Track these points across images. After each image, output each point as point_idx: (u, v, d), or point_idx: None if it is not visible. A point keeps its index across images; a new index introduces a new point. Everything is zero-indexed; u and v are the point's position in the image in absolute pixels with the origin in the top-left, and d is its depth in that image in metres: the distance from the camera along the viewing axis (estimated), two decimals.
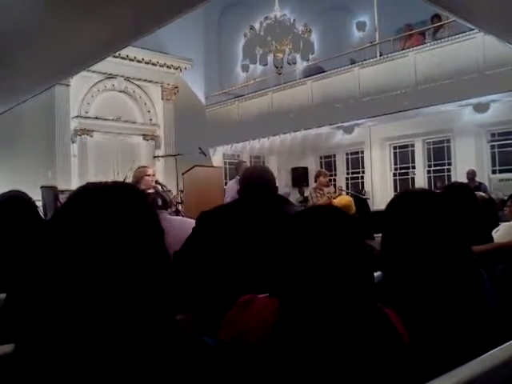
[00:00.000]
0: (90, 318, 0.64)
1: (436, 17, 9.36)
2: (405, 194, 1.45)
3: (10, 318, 1.48)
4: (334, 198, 6.89)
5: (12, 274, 1.74)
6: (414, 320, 1.18)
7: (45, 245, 0.69)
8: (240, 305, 1.10)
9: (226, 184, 9.25)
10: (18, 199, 2.34)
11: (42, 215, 2.50)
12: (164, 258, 0.73)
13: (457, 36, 8.70)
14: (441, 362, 1.10)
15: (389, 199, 1.43)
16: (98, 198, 0.71)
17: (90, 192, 0.73)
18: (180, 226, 2.55)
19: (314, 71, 11.04)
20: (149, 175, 4.77)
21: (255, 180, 2.10)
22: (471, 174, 8.75)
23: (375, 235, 4.40)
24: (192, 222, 2.82)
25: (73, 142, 10.61)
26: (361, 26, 12.11)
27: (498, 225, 3.83)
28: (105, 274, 0.65)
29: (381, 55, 9.93)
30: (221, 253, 1.85)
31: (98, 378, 0.63)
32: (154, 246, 0.72)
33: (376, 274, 1.63)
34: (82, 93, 10.70)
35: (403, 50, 9.71)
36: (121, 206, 0.71)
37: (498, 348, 1.13)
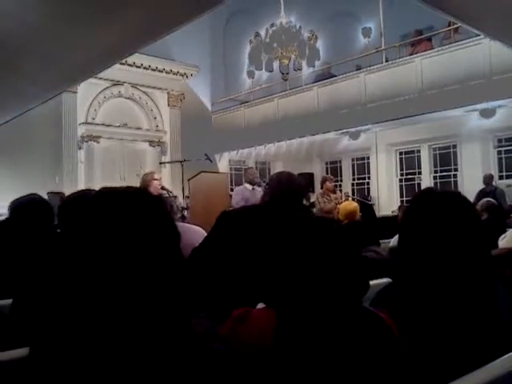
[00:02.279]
0: (104, 321, 0.64)
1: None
2: (428, 194, 1.41)
3: (19, 323, 1.49)
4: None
5: (21, 278, 1.76)
6: (424, 322, 1.17)
7: (64, 248, 0.70)
8: (235, 319, 1.10)
9: (231, 190, 9.25)
10: (37, 204, 2.37)
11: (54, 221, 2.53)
12: (180, 262, 0.74)
13: (463, 42, 8.68)
14: (450, 365, 1.09)
15: (395, 205, 1.42)
16: (117, 203, 0.71)
17: (108, 197, 0.73)
18: (185, 232, 2.56)
19: (325, 77, 11.04)
20: (156, 179, 4.82)
21: (283, 187, 2.07)
22: (488, 179, 8.59)
23: (381, 241, 4.37)
24: (198, 229, 2.82)
25: (80, 148, 10.68)
26: (366, 32, 12.12)
27: (505, 231, 3.80)
28: (122, 278, 0.66)
29: (387, 61, 9.93)
30: (238, 254, 1.84)
31: (112, 380, 0.63)
32: (170, 250, 0.72)
33: (384, 280, 1.62)
34: (89, 99, 10.78)
35: (411, 55, 9.70)
36: (138, 211, 0.71)
37: (507, 355, 1.12)
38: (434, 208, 1.31)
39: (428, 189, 1.48)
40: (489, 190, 8.20)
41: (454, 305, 1.22)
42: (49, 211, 2.42)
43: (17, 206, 2.36)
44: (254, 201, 5.63)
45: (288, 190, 2.05)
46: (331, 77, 10.98)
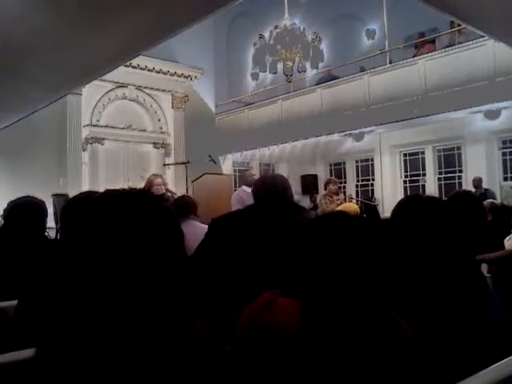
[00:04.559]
0: (108, 322, 0.65)
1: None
2: (412, 200, 1.44)
3: (24, 323, 1.49)
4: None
5: (23, 280, 1.77)
6: (414, 325, 1.18)
7: (67, 249, 0.70)
8: (265, 302, 1.11)
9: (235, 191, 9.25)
10: (26, 206, 2.40)
11: (46, 224, 2.57)
12: (183, 263, 0.74)
13: (467, 43, 8.67)
14: (436, 368, 1.10)
15: None
16: (121, 205, 0.72)
17: (111, 199, 0.74)
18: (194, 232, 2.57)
19: (328, 80, 11.04)
20: (157, 185, 4.82)
21: (267, 187, 2.11)
22: (477, 182, 8.69)
23: None
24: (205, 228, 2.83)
25: (84, 150, 10.71)
26: (370, 34, 12.14)
27: (510, 233, 3.78)
28: (126, 280, 0.66)
29: (390, 63, 9.92)
30: (231, 259, 1.85)
31: (116, 381, 0.64)
32: (174, 250, 0.73)
33: None
34: (94, 101, 10.82)
35: (414, 57, 9.69)
36: (141, 212, 0.72)
37: (504, 361, 1.11)
38: (417, 214, 1.34)
39: (413, 195, 1.52)
40: (478, 193, 8.16)
41: (440, 306, 1.23)
42: (41, 213, 2.45)
43: (10, 209, 2.40)
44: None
45: (265, 192, 2.08)
46: (334, 79, 10.98)
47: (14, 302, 1.74)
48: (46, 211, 2.56)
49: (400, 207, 1.41)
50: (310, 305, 1.05)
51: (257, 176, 6.82)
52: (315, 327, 1.02)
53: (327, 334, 1.00)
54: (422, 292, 1.25)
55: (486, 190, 8.52)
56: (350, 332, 1.00)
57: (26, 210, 2.38)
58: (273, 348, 1.01)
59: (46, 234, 2.74)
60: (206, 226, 3.12)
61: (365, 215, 8.44)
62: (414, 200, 1.44)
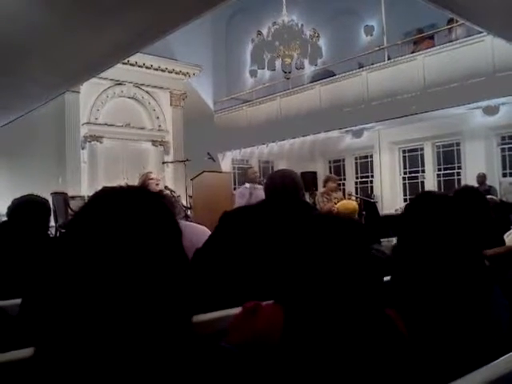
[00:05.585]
0: (107, 321, 0.64)
1: (452, 20, 9.17)
2: (424, 197, 1.44)
3: (26, 323, 1.49)
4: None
5: (25, 279, 1.76)
6: (419, 321, 1.18)
7: (65, 248, 0.70)
8: (246, 311, 1.11)
9: (234, 189, 9.27)
10: (30, 205, 2.41)
11: (49, 223, 2.57)
12: (182, 260, 0.74)
13: (465, 39, 8.66)
14: (442, 364, 1.10)
15: (398, 203, 1.43)
16: (118, 201, 0.72)
17: (109, 195, 0.73)
18: (192, 232, 2.57)
19: (324, 75, 11.02)
20: (152, 179, 4.80)
21: (279, 184, 2.10)
22: (481, 178, 8.69)
23: (385, 239, 4.37)
24: (203, 229, 2.83)
25: (83, 149, 10.68)
26: (369, 30, 12.12)
27: (509, 228, 3.79)
28: (124, 277, 0.65)
29: (389, 59, 9.91)
30: (240, 253, 1.85)
31: (116, 382, 0.63)
32: (172, 248, 0.72)
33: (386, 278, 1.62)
34: (92, 99, 10.79)
35: (413, 53, 9.68)
36: (138, 208, 0.71)
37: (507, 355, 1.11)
38: (429, 211, 1.34)
39: (426, 191, 1.51)
40: (482, 189, 8.17)
41: (446, 303, 1.23)
42: (45, 211, 2.46)
43: (14, 207, 2.40)
44: (255, 199, 5.69)
45: (282, 188, 2.07)
46: (329, 75, 10.96)
47: (17, 301, 1.73)
48: (50, 210, 2.57)
49: (414, 203, 1.41)
50: (293, 306, 1.05)
51: (258, 173, 6.83)
52: (301, 329, 1.01)
53: (313, 337, 0.99)
54: (433, 287, 1.25)
55: (489, 187, 8.52)
56: (339, 333, 1.00)
57: (30, 208, 2.38)
58: (260, 355, 1.00)
59: (49, 232, 2.75)
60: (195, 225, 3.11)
61: (364, 212, 8.45)
62: (427, 196, 1.43)
